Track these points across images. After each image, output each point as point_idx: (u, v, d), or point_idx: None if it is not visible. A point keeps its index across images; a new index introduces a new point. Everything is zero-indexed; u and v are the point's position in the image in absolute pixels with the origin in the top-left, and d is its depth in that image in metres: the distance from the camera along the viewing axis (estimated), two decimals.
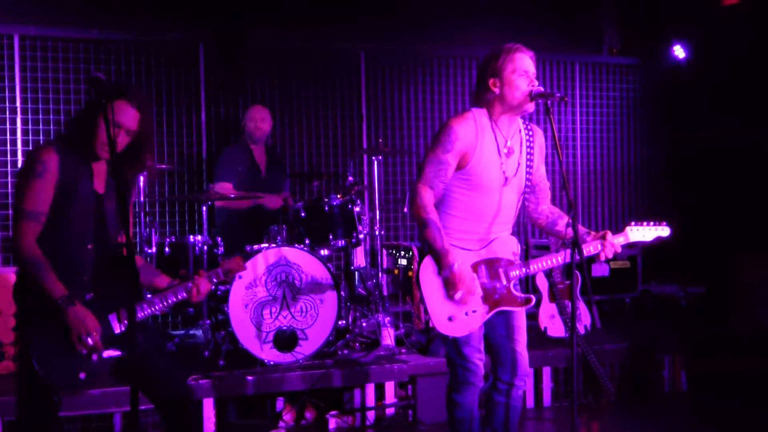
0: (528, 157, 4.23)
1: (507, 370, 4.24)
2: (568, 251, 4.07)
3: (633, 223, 4.40)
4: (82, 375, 3.67)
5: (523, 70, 4.09)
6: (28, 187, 3.64)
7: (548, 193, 4.41)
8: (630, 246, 4.61)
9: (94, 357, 3.67)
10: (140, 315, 3.81)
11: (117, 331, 3.76)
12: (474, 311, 4.11)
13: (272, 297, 5.88)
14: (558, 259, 4.23)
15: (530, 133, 4.28)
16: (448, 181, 4.11)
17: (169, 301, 3.90)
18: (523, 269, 4.21)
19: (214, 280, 4.01)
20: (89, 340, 3.62)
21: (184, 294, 3.91)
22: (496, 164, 4.12)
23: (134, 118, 3.74)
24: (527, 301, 4.22)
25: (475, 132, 4.09)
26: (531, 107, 4.12)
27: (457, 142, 4.06)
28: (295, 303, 5.93)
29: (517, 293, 4.20)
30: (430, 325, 4.16)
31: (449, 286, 4.02)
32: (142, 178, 6.18)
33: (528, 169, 4.23)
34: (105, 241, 3.81)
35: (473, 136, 4.09)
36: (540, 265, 4.26)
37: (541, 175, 4.35)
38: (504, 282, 4.17)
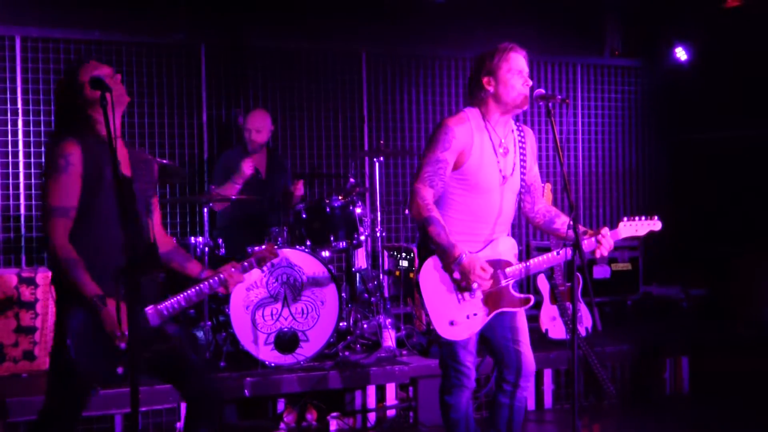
0: (521, 156, 4.25)
1: (512, 371, 4.24)
2: (566, 250, 4.08)
3: (625, 218, 4.41)
4: (120, 370, 3.64)
5: (517, 69, 4.12)
6: (54, 183, 3.60)
7: (542, 193, 4.43)
8: (634, 239, 4.60)
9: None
10: (177, 307, 3.81)
11: (153, 323, 3.76)
12: (475, 314, 4.12)
13: (273, 298, 5.88)
14: (556, 258, 4.24)
15: (522, 133, 4.31)
16: (446, 182, 4.11)
17: (205, 293, 3.92)
18: (522, 270, 4.21)
19: (246, 266, 4.02)
20: (123, 334, 3.59)
21: (220, 287, 3.93)
22: (493, 163, 4.14)
23: (109, 71, 3.82)
24: (526, 301, 4.22)
25: (470, 131, 4.11)
26: (525, 106, 4.14)
27: (455, 140, 4.07)
28: (296, 304, 5.93)
29: (516, 294, 4.21)
30: (432, 329, 4.14)
31: (463, 278, 4.02)
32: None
33: (522, 169, 4.25)
34: (136, 225, 3.77)
35: (469, 135, 4.10)
36: (538, 264, 4.25)
37: (535, 174, 4.37)
38: (503, 283, 4.17)
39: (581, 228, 4.24)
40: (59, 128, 3.80)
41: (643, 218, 4.44)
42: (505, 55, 4.11)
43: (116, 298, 3.53)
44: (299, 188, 6.85)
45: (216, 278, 3.93)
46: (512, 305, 4.20)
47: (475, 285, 4.03)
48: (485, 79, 4.14)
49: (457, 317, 4.10)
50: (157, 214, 4.02)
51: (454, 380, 4.26)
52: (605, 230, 4.23)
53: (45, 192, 3.65)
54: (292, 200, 6.83)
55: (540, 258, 4.25)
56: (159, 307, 3.78)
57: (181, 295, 3.86)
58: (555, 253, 4.25)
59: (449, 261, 4.01)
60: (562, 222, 4.35)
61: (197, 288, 3.90)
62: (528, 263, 4.23)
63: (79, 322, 3.59)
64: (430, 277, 4.11)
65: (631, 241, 8.35)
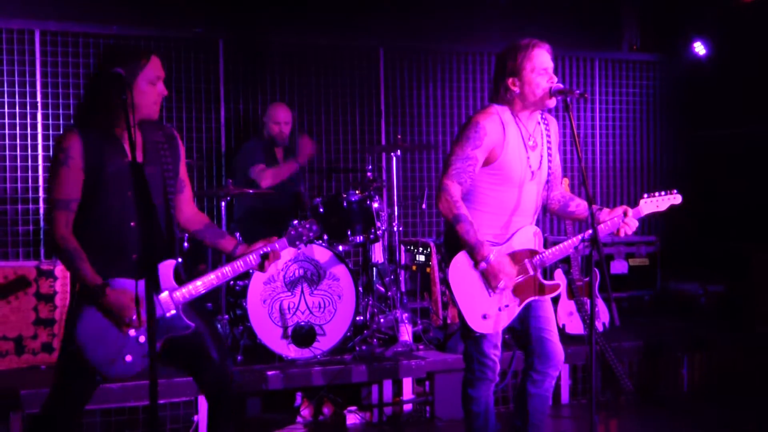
0: (548, 148, 4.26)
1: (543, 360, 4.23)
2: (585, 232, 4.14)
3: (645, 195, 4.42)
4: (128, 358, 3.64)
5: (542, 68, 4.09)
6: (56, 176, 3.64)
7: (560, 181, 4.46)
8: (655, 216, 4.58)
9: (142, 339, 3.64)
10: (194, 293, 3.76)
11: (166, 313, 3.70)
12: (507, 305, 4.14)
13: (290, 292, 5.89)
14: (576, 242, 4.25)
15: (546, 123, 4.30)
16: (475, 176, 4.11)
17: (228, 276, 3.83)
18: (548, 257, 4.23)
19: (280, 244, 3.95)
20: (131, 320, 3.59)
21: (258, 260, 3.86)
22: (523, 159, 4.14)
23: (162, 68, 3.77)
24: (555, 287, 4.25)
25: (501, 127, 4.11)
26: (552, 103, 4.13)
27: (486, 137, 4.06)
28: (313, 298, 5.94)
29: (545, 282, 4.23)
30: (468, 326, 4.13)
31: (490, 276, 4.04)
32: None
33: (549, 159, 4.27)
34: (151, 213, 3.74)
35: (500, 131, 4.10)
36: (560, 250, 4.26)
37: (557, 164, 4.38)
38: (531, 272, 4.18)
39: (595, 207, 4.25)
40: (77, 119, 3.82)
41: (663, 193, 4.46)
42: (528, 54, 4.08)
43: (135, 289, 3.53)
44: (306, 144, 6.80)
45: (247, 258, 3.84)
46: (542, 293, 4.22)
47: (501, 284, 4.05)
48: (510, 80, 4.11)
49: (490, 310, 4.11)
50: (186, 192, 3.97)
51: (478, 373, 4.26)
52: (630, 210, 4.26)
53: (48, 185, 3.71)
54: (302, 201, 6.89)
55: (564, 244, 4.26)
56: (174, 294, 3.73)
57: (200, 280, 3.78)
58: (577, 241, 4.25)
59: (477, 259, 4.03)
60: (576, 204, 4.38)
61: (220, 272, 3.81)
62: (551, 253, 4.23)
63: (88, 314, 3.61)
64: (460, 272, 4.11)
65: (649, 236, 8.33)
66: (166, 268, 3.75)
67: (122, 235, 3.68)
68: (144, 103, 3.71)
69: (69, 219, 3.63)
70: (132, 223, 3.69)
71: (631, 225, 4.25)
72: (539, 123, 4.26)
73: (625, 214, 4.25)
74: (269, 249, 3.88)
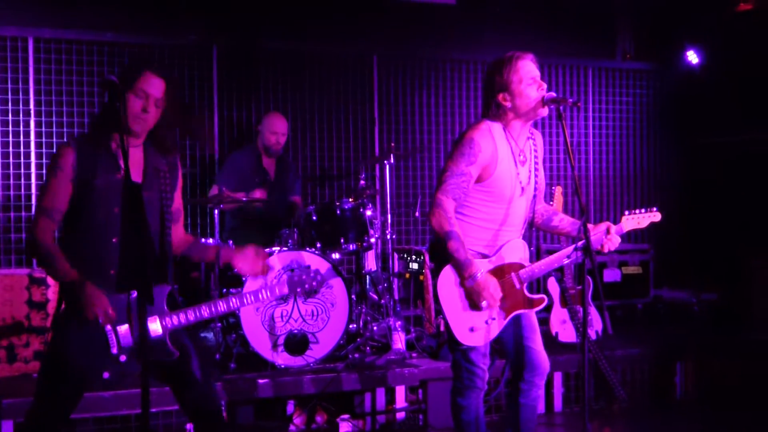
0: (535, 163, 4.29)
1: (530, 369, 4.27)
2: (577, 244, 4.12)
3: (627, 212, 4.47)
4: (106, 375, 3.67)
5: (530, 78, 4.11)
6: (46, 185, 3.74)
7: (544, 195, 4.48)
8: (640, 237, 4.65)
9: (123, 358, 3.67)
10: (183, 322, 3.78)
11: (154, 336, 3.72)
12: (493, 319, 4.17)
13: (283, 300, 5.88)
14: (564, 256, 4.27)
15: (533, 138, 4.33)
16: (467, 192, 4.13)
17: (219, 311, 3.88)
18: (535, 271, 4.24)
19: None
20: (107, 314, 3.61)
21: (255, 298, 3.93)
22: (514, 175, 4.17)
23: (161, 87, 3.79)
24: (541, 301, 4.28)
25: (494, 144, 4.13)
26: (545, 112, 4.14)
27: (480, 154, 4.09)
28: (306, 306, 5.93)
29: (531, 295, 4.26)
30: (452, 336, 4.16)
31: (475, 294, 4.08)
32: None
33: (536, 173, 4.29)
34: (143, 233, 3.72)
35: (494, 149, 4.12)
36: (548, 264, 4.28)
37: (542, 178, 4.40)
38: (518, 286, 4.19)
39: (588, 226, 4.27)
40: (80, 133, 3.88)
41: (643, 210, 4.49)
42: (513, 66, 4.10)
43: (127, 309, 3.58)
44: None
45: (243, 297, 3.90)
46: (528, 306, 4.25)
47: (484, 304, 4.08)
48: (500, 96, 4.13)
49: (477, 323, 4.15)
50: (179, 222, 4.09)
51: (467, 381, 4.28)
52: (613, 227, 4.30)
53: (39, 191, 3.87)
54: (296, 211, 6.87)
55: (553, 256, 4.29)
56: (163, 319, 3.76)
57: (190, 310, 3.81)
58: (565, 255, 4.27)
59: (465, 276, 4.07)
60: (560, 219, 4.41)
61: (211, 306, 3.84)
62: (539, 267, 4.26)
63: (73, 322, 3.64)
64: (447, 285, 4.15)
65: (642, 244, 8.34)
66: (160, 292, 3.77)
67: (103, 250, 3.73)
68: (129, 114, 3.75)
69: (49, 227, 3.71)
70: (114, 240, 3.73)
71: (614, 241, 4.30)
72: (529, 138, 4.28)
73: (608, 231, 4.30)
74: (263, 281, 3.95)
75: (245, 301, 3.90)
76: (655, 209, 4.51)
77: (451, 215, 4.09)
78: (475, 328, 4.14)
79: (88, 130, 3.86)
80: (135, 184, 3.75)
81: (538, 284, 7.42)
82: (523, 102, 4.10)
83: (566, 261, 4.28)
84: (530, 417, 4.34)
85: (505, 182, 4.14)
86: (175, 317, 3.77)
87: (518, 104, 4.11)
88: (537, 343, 4.29)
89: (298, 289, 4.04)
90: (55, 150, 3.83)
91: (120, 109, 3.48)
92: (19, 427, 3.91)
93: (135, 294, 3.69)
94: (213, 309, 3.85)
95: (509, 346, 4.32)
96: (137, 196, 3.67)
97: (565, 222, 4.40)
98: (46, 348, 3.77)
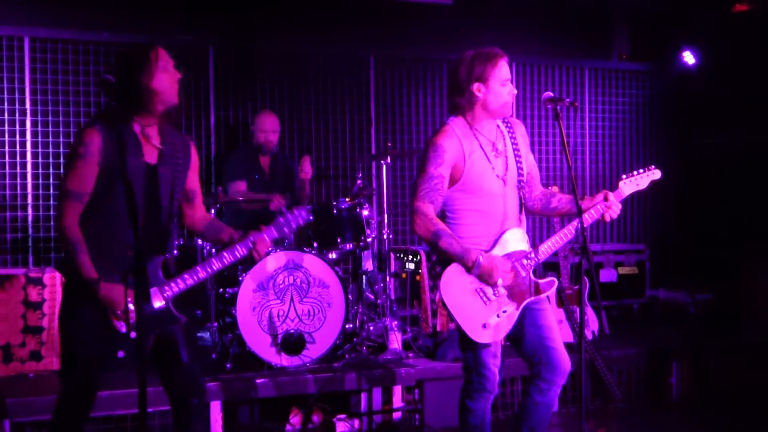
0: (515, 150, 4.27)
1: (551, 369, 4.21)
2: (573, 224, 4.18)
3: (624, 176, 4.46)
4: (121, 353, 3.69)
5: (506, 79, 4.16)
6: (72, 168, 3.71)
7: (539, 181, 4.46)
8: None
9: (133, 334, 3.65)
10: (182, 286, 3.80)
11: (155, 307, 3.74)
12: (505, 311, 4.14)
13: (280, 300, 5.88)
14: (566, 235, 4.27)
15: (509, 125, 4.32)
16: (447, 195, 4.15)
17: (213, 269, 3.88)
18: (539, 255, 4.23)
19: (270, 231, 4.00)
20: (122, 315, 3.63)
21: (245, 251, 3.92)
22: (488, 168, 4.17)
23: (173, 62, 3.99)
24: (551, 284, 4.26)
25: (459, 143, 4.15)
26: (507, 113, 4.18)
27: (446, 154, 4.11)
28: (303, 306, 5.93)
29: (539, 281, 4.24)
30: (468, 338, 4.13)
31: (486, 277, 4.05)
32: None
33: (518, 161, 4.26)
34: (156, 213, 3.83)
35: (459, 147, 4.14)
36: (551, 246, 4.27)
37: (531, 163, 4.39)
38: (523, 273, 4.18)
39: (585, 199, 4.32)
40: (98, 112, 3.87)
41: (641, 171, 4.49)
42: (494, 62, 4.13)
43: (124, 285, 3.55)
44: (306, 167, 6.78)
45: (234, 249, 3.90)
46: (538, 292, 4.23)
47: (499, 281, 4.07)
48: (475, 86, 4.14)
49: (489, 318, 4.11)
50: (197, 199, 4.11)
51: (476, 384, 4.24)
52: (611, 195, 4.31)
53: (64, 174, 3.77)
54: (303, 194, 6.83)
55: (552, 240, 4.26)
56: (162, 289, 3.77)
57: (187, 274, 3.83)
58: (566, 233, 4.27)
59: (469, 265, 4.05)
60: (558, 199, 4.38)
61: (207, 264, 3.86)
62: (541, 251, 4.24)
63: (80, 309, 3.67)
64: (452, 286, 4.12)
65: (638, 245, 8.35)
66: (155, 263, 3.78)
67: (125, 232, 3.67)
68: (162, 89, 3.93)
69: (78, 210, 3.70)
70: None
71: (614, 209, 4.31)
72: (498, 127, 4.28)
73: (605, 198, 4.29)
74: (255, 238, 3.93)
75: (237, 253, 3.91)
76: (653, 167, 4.48)
77: (432, 216, 4.10)
78: (488, 324, 4.10)
79: (107, 112, 3.81)
80: (150, 165, 3.82)
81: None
82: (495, 99, 4.13)
83: (564, 259, 4.28)
84: (545, 416, 4.29)
85: (481, 178, 4.14)
86: (174, 285, 3.79)
87: (490, 100, 4.13)
88: (558, 342, 4.24)
89: (286, 230, 4.03)
90: (78, 132, 3.78)
91: (143, 90, 3.66)
92: (47, 426, 3.91)
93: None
94: (208, 268, 3.86)
95: (528, 346, 4.25)
96: (154, 176, 3.78)
97: (563, 201, 4.35)
98: (61, 343, 3.76)
